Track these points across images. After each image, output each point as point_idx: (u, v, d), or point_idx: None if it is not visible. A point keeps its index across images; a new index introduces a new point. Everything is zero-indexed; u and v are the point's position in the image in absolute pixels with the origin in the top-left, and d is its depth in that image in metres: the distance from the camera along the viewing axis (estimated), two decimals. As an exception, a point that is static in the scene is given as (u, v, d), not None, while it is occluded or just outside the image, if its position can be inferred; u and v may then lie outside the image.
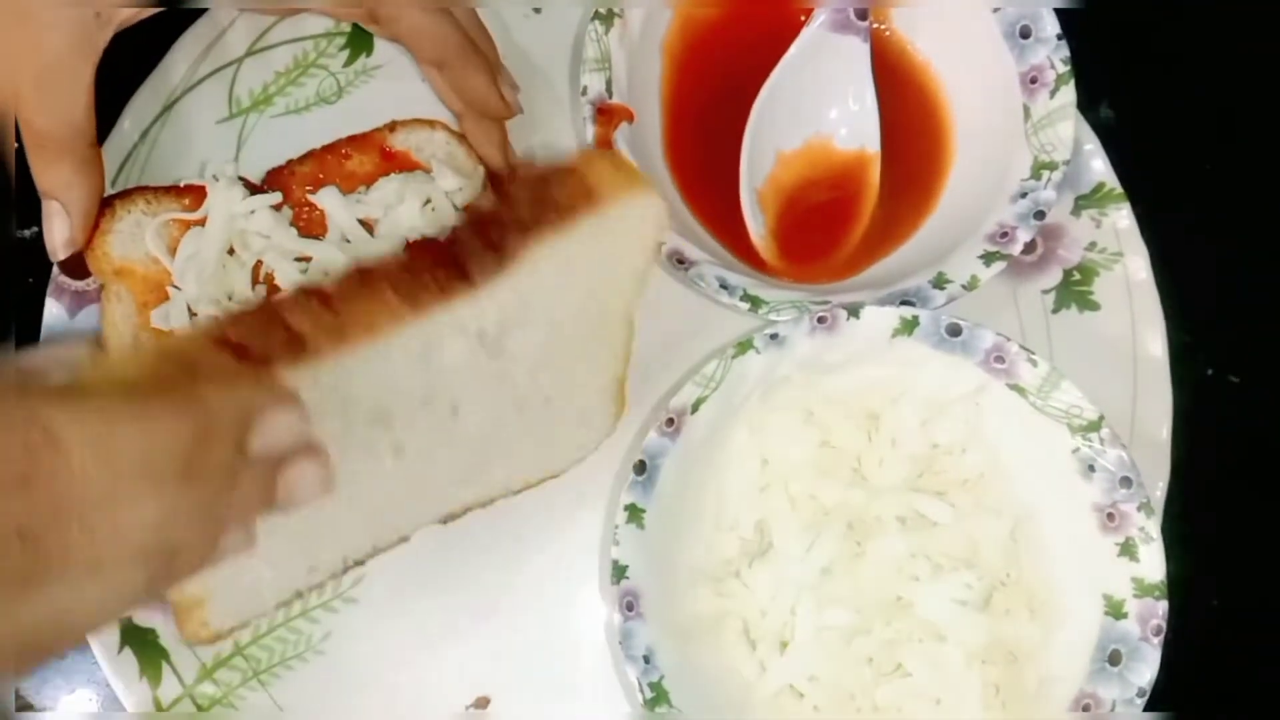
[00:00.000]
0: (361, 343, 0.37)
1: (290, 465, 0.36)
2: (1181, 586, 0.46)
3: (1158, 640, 0.46)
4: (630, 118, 0.52)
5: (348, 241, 0.50)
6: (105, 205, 0.49)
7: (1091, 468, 0.47)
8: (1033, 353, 0.47)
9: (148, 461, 0.31)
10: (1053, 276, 0.55)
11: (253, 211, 0.50)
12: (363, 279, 0.38)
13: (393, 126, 0.52)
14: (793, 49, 0.53)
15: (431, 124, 0.52)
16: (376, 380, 0.39)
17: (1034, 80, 0.51)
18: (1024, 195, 0.50)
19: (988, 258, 0.50)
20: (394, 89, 0.54)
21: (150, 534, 0.32)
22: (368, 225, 0.50)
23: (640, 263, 0.43)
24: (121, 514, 0.31)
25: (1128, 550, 0.46)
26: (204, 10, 0.54)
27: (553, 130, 0.55)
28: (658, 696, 0.46)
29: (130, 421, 0.31)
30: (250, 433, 0.34)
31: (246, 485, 0.35)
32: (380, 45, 0.55)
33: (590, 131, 0.51)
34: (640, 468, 0.47)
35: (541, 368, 0.44)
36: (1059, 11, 0.51)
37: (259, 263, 0.50)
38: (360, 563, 0.48)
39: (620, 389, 0.49)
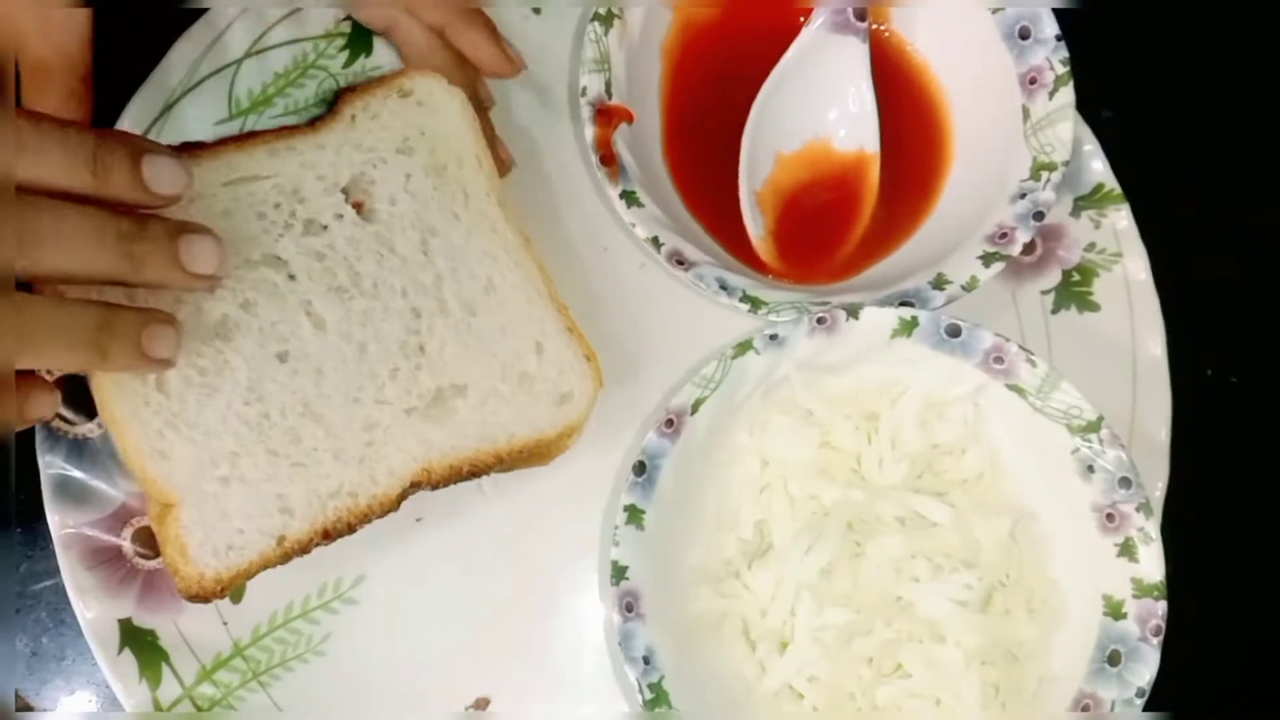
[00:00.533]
0: (229, 150, 0.48)
1: (187, 233, 0.41)
2: (1181, 587, 0.46)
3: (1157, 640, 0.46)
4: (630, 119, 0.52)
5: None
6: None
7: (1091, 468, 0.47)
8: (1032, 353, 0.47)
9: (66, 142, 0.38)
10: (1052, 277, 0.55)
11: None
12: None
13: None
14: (792, 50, 0.53)
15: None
16: (256, 203, 0.48)
17: (1033, 81, 0.51)
18: (1023, 196, 0.50)
19: (987, 258, 0.50)
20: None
21: (87, 237, 0.38)
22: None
23: (465, 137, 0.50)
24: (44, 215, 0.37)
25: (1127, 550, 0.46)
26: (203, 10, 0.54)
27: (552, 131, 0.55)
28: (657, 697, 0.46)
29: (46, 119, 0.38)
30: (142, 163, 0.39)
31: (153, 231, 0.40)
32: (380, 47, 0.55)
33: (589, 132, 0.51)
34: (640, 469, 0.47)
35: (434, 250, 0.49)
36: (1058, 12, 0.51)
37: None
38: (350, 527, 0.47)
39: (567, 317, 0.49)
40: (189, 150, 0.48)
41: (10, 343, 0.37)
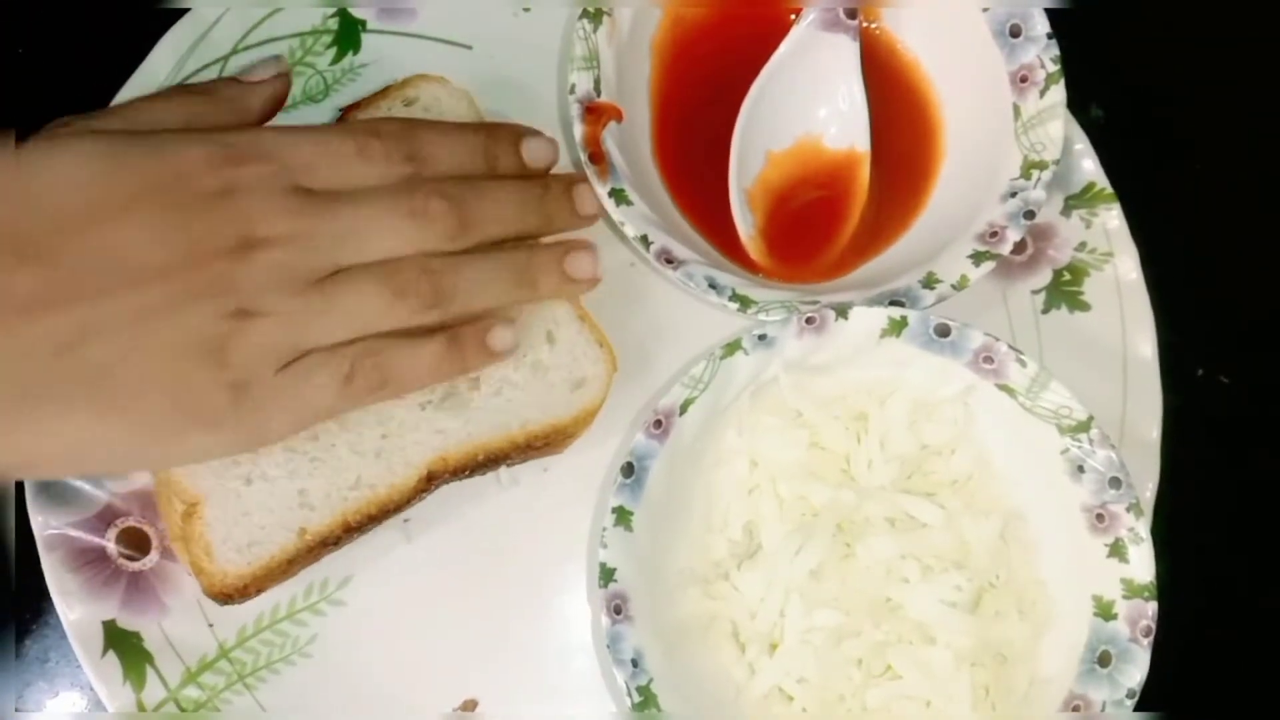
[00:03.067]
0: None
1: (577, 184, 0.51)
2: (1171, 587, 0.46)
3: (1147, 641, 0.45)
4: (619, 116, 0.51)
5: None
6: None
7: (1081, 468, 0.47)
8: (1021, 353, 0.47)
9: (464, 140, 0.48)
10: (1042, 276, 0.54)
11: None
12: None
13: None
14: (782, 47, 0.53)
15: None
16: None
17: (1024, 79, 0.51)
18: (1014, 195, 0.50)
19: (977, 257, 0.50)
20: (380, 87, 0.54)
21: (516, 204, 0.48)
22: None
23: None
24: (485, 195, 0.47)
25: (1117, 551, 0.46)
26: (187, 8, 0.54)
27: (540, 129, 0.55)
28: (646, 700, 0.45)
29: (446, 126, 0.49)
30: (522, 145, 0.50)
31: (555, 189, 0.50)
32: (368, 43, 0.55)
33: (578, 130, 0.50)
34: (628, 470, 0.47)
35: None
36: (1048, 11, 0.51)
37: None
38: (358, 528, 0.47)
39: (578, 305, 0.50)
40: None
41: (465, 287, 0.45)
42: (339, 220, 0.43)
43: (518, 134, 0.49)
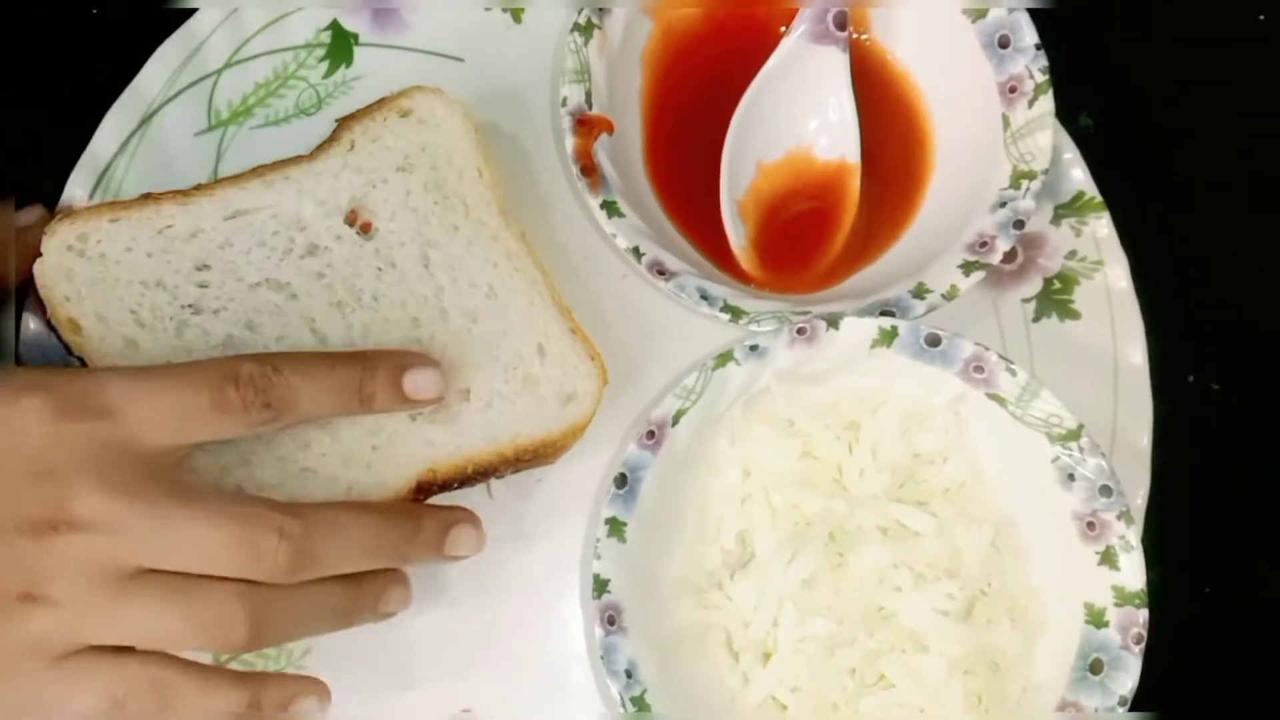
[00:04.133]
0: (225, 187, 0.50)
1: (455, 525, 0.46)
2: (1162, 594, 0.46)
3: (1138, 649, 0.46)
4: (610, 129, 0.52)
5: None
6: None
7: (1071, 476, 0.47)
8: (1011, 362, 0.47)
9: (332, 379, 0.44)
10: (1033, 285, 0.55)
11: None
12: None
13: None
14: (773, 59, 0.53)
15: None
16: (255, 233, 0.49)
17: (1013, 90, 0.51)
18: (1003, 204, 0.50)
19: (967, 267, 0.50)
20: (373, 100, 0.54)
21: (369, 542, 0.44)
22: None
23: (466, 150, 0.51)
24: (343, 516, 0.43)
25: (1108, 559, 0.46)
26: (186, 13, 0.54)
27: (532, 142, 0.55)
28: (640, 711, 0.45)
29: (313, 359, 0.45)
30: (404, 379, 0.45)
31: (426, 531, 0.46)
32: (360, 57, 0.55)
33: (570, 143, 0.51)
34: (621, 481, 0.47)
35: (435, 262, 0.49)
36: (1035, 14, 0.51)
37: None
38: None
39: (570, 319, 0.49)
40: (189, 193, 0.49)
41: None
42: (164, 523, 0.39)
43: (399, 365, 0.45)
